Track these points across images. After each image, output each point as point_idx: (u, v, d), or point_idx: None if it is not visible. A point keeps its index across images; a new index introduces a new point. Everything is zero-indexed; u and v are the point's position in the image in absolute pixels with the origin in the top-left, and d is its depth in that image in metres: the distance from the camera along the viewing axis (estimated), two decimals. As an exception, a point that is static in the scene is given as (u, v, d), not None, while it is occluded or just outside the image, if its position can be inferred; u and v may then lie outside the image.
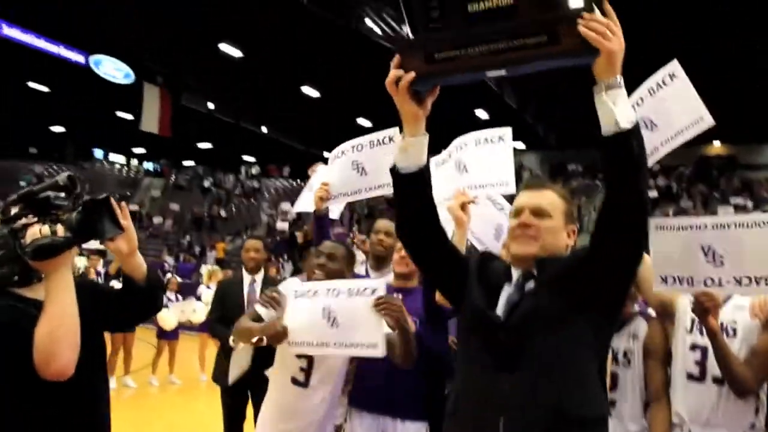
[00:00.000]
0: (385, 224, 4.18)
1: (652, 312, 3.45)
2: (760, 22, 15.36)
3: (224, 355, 5.46)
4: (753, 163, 27.15)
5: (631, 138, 1.92)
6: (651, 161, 3.05)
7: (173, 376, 11.57)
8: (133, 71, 24.79)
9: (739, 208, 21.93)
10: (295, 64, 22.58)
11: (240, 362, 4.46)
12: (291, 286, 3.43)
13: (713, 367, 2.97)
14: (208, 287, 13.05)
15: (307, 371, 3.45)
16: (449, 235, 2.62)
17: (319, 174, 4.46)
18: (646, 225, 2.10)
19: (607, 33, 1.82)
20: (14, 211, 2.16)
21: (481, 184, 3.79)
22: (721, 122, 3.24)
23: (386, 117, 3.74)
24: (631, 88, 3.19)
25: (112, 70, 24.15)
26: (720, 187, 25.51)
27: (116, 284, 2.56)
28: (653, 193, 22.96)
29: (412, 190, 2.32)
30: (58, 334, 2.01)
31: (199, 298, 12.46)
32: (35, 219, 2.12)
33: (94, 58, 23.41)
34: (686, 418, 3.01)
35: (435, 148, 2.90)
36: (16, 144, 38.11)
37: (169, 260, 25.64)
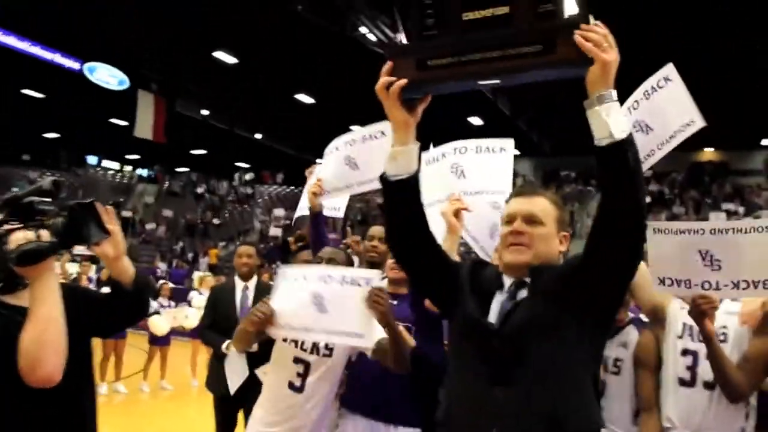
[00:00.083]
0: (379, 230, 4.18)
1: (644, 317, 3.47)
2: (756, 23, 15.41)
3: (217, 361, 5.46)
4: (744, 169, 27.39)
5: (626, 147, 1.91)
6: (647, 164, 3.12)
7: (165, 381, 11.55)
8: (127, 78, 24.78)
9: (730, 214, 22.08)
10: (289, 71, 22.58)
11: (237, 370, 4.46)
12: (283, 271, 3.41)
13: (704, 372, 2.99)
14: (200, 293, 13.05)
15: (304, 376, 3.45)
16: (439, 239, 2.62)
17: (315, 174, 4.49)
18: (642, 232, 2.08)
19: (603, 44, 1.83)
20: None
21: (478, 191, 3.80)
22: (714, 128, 3.25)
23: (380, 124, 3.78)
24: (630, 89, 3.25)
25: (107, 76, 24.09)
26: (712, 193, 25.70)
27: (108, 290, 2.53)
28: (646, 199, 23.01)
29: (401, 198, 2.30)
30: (43, 340, 1.97)
31: (190, 304, 12.46)
32: (19, 224, 2.10)
33: (88, 65, 23.37)
34: (677, 422, 3.03)
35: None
36: (10, 150, 37.98)
37: (162, 266, 25.61)
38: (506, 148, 3.89)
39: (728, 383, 2.88)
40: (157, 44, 21.75)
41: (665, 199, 25.15)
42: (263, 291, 5.55)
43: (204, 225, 32.14)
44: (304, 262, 4.08)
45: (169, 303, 11.96)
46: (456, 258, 2.91)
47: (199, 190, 36.50)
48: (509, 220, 2.33)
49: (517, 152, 27.88)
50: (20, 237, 2.05)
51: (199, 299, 12.25)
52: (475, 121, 25.62)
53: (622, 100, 2.14)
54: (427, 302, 3.29)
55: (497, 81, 2.06)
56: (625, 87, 1.95)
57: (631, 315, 3.43)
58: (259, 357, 3.82)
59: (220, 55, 21.71)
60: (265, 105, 27.12)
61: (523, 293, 2.23)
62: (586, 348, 2.17)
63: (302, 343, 3.44)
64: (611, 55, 1.84)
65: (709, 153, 27.91)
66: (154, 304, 11.30)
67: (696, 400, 3.01)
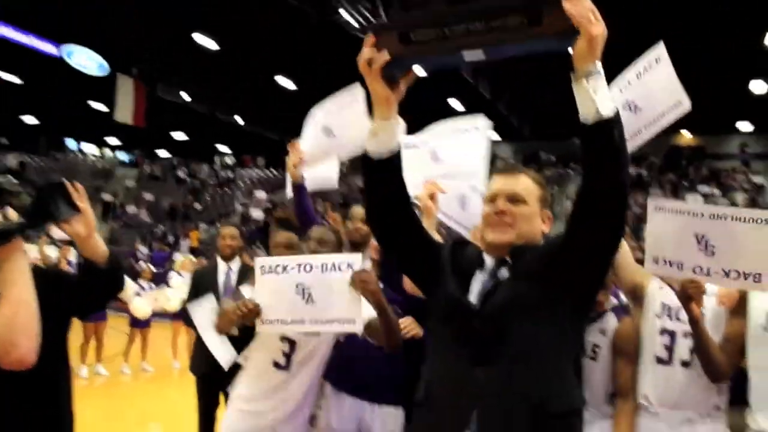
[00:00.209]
0: (361, 211, 4.14)
1: (624, 298, 3.49)
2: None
3: (200, 344, 5.49)
4: (720, 153, 27.77)
5: (612, 126, 1.88)
6: (633, 144, 3.08)
7: (146, 363, 11.56)
8: (107, 63, 24.50)
9: (707, 197, 22.35)
10: (270, 56, 22.47)
11: (225, 348, 4.43)
12: (259, 263, 3.36)
13: (682, 351, 3.03)
14: (180, 274, 13.04)
15: (289, 355, 3.44)
16: None
17: (296, 149, 4.46)
18: (624, 212, 2.03)
19: (591, 16, 1.79)
20: None
21: (454, 174, 3.79)
22: (691, 113, 3.23)
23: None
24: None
25: (85, 60, 23.82)
26: (689, 176, 25.95)
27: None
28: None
29: (381, 176, 2.27)
30: (15, 323, 1.92)
31: (168, 285, 12.48)
32: None
33: (66, 49, 23.07)
34: (653, 400, 3.07)
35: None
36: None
37: (143, 249, 25.50)
38: (480, 126, 3.86)
39: (711, 364, 2.91)
40: (137, 28, 21.55)
41: (643, 182, 25.37)
42: (246, 272, 5.57)
43: (185, 208, 32.01)
44: (283, 243, 4.04)
45: (150, 286, 11.93)
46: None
47: (180, 174, 36.30)
48: (492, 198, 2.31)
49: (498, 137, 27.77)
50: None
51: (177, 280, 12.24)
52: (456, 104, 25.56)
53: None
54: (408, 285, 3.34)
55: (482, 54, 1.96)
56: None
57: (614, 301, 3.42)
58: (240, 339, 3.76)
59: (201, 39, 21.54)
60: (246, 89, 27.00)
61: (504, 273, 2.21)
62: (567, 329, 2.15)
63: None
64: (598, 28, 1.80)
65: (686, 137, 28.17)
66: (135, 287, 11.32)
67: (673, 378, 3.04)
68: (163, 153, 42.20)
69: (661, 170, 26.56)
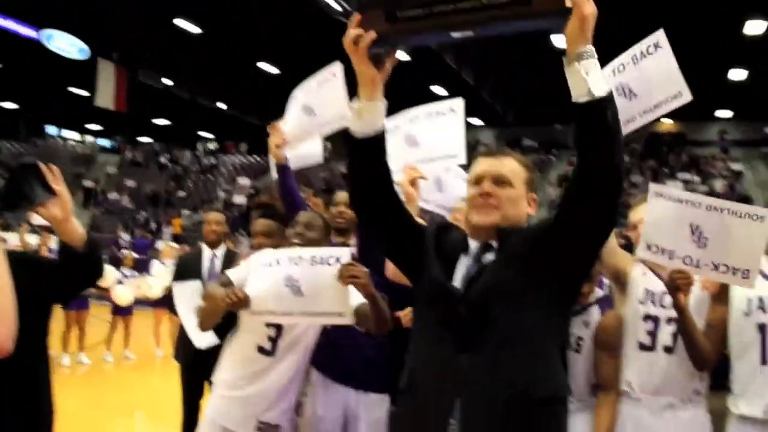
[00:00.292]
0: (345, 196, 4.07)
1: (610, 288, 3.48)
2: None
3: (185, 332, 5.44)
4: (700, 140, 28.09)
5: (605, 105, 1.85)
6: (627, 130, 3.02)
7: (128, 351, 11.52)
8: (87, 46, 24.23)
9: (687, 183, 22.55)
10: (252, 40, 22.37)
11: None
12: (255, 258, 3.36)
13: (664, 337, 3.03)
14: (162, 262, 12.99)
15: (275, 339, 3.42)
16: None
17: (278, 130, 4.40)
18: (619, 194, 1.98)
19: None
20: None
21: (432, 158, 3.78)
22: None
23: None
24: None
25: (65, 45, 23.57)
26: (669, 162, 26.22)
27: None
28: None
29: (366, 158, 2.23)
30: None
31: (150, 273, 12.42)
32: None
33: (46, 33, 22.83)
34: (636, 387, 3.07)
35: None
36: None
37: (125, 236, 25.36)
38: (456, 109, 3.83)
39: (697, 351, 2.92)
40: (117, 12, 21.35)
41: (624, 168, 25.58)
42: (231, 259, 5.56)
43: (167, 195, 31.84)
44: (261, 231, 3.98)
45: (132, 273, 11.89)
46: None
47: (162, 160, 36.07)
48: (477, 180, 2.27)
49: (480, 122, 27.88)
50: None
51: (159, 267, 12.19)
52: (439, 90, 25.51)
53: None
54: (391, 272, 3.30)
55: (470, 33, 1.92)
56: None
57: (598, 292, 3.39)
58: (222, 326, 3.70)
59: (183, 23, 21.41)
60: (228, 74, 26.84)
61: (489, 257, 2.18)
62: (552, 314, 2.13)
63: None
64: (590, 8, 1.77)
65: (667, 124, 28.34)
66: (117, 274, 11.26)
67: (656, 363, 3.04)
68: (144, 139, 41.90)
69: (642, 157, 26.76)
